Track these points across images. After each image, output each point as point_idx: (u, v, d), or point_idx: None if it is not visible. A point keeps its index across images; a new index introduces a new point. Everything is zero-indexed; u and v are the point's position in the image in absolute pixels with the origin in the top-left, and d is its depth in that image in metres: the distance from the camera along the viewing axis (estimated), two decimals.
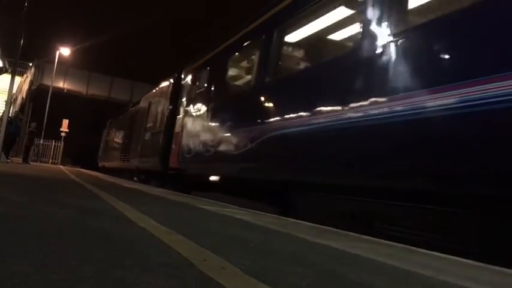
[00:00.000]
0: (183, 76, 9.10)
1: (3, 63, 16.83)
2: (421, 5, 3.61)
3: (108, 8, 35.84)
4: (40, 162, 23.02)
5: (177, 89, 9.25)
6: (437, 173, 2.92)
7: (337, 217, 4.00)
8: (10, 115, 13.85)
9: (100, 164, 20.56)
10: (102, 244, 1.68)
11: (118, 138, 16.38)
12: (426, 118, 2.91)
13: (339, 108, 3.84)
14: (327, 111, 4.00)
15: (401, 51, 3.34)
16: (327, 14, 4.63)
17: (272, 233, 2.71)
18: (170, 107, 9.41)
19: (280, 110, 4.93)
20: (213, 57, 7.59)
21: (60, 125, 24.37)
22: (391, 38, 3.44)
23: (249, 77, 6.50)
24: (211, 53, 7.78)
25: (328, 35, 4.97)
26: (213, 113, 6.97)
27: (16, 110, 17.72)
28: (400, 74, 3.26)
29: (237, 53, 7.01)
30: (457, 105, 2.68)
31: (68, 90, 30.19)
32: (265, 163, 5.06)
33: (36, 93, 27.43)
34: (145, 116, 11.72)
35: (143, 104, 12.62)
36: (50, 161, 24.53)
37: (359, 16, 4.03)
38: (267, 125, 5.01)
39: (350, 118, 3.62)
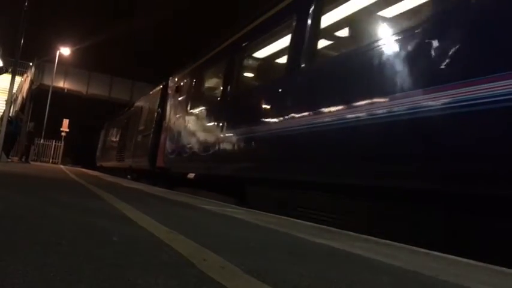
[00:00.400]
0: (169, 85, 10.11)
1: (4, 63, 16.84)
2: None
3: (108, 8, 35.85)
4: (40, 161, 23.03)
5: (164, 96, 10.28)
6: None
7: (274, 204, 5.01)
8: (10, 115, 13.86)
9: (98, 164, 21.58)
10: (102, 243, 1.68)
11: (114, 139, 17.45)
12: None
13: (268, 121, 5.08)
14: (262, 124, 5.18)
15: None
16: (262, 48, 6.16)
17: (272, 233, 2.71)
18: (158, 112, 10.49)
19: (235, 121, 6.04)
20: (191, 71, 8.79)
21: (61, 125, 24.40)
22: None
23: (216, 90, 7.62)
24: (189, 67, 8.98)
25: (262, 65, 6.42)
26: (189, 120, 8.00)
27: (16, 109, 17.72)
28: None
29: (208, 69, 8.16)
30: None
31: (68, 90, 30.24)
32: (227, 163, 6.12)
33: (37, 93, 27.45)
34: (138, 119, 12.82)
35: (136, 108, 13.76)
36: (51, 161, 24.55)
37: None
38: (227, 132, 6.17)
39: (277, 129, 4.84)
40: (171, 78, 10.11)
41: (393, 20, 3.93)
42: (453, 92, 2.70)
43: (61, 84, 29.62)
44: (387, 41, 3.47)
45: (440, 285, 1.57)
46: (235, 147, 5.84)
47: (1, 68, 17.44)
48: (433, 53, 2.99)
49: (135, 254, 1.55)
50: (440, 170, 2.91)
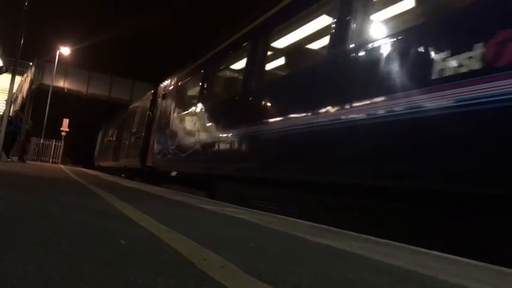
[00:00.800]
0: (157, 91, 11.25)
1: (4, 63, 16.84)
2: None
3: (108, 7, 35.84)
4: (41, 161, 23.04)
5: (153, 102, 11.38)
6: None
7: (235, 196, 6.09)
8: (10, 114, 13.86)
9: (96, 163, 22.70)
10: (102, 243, 1.68)
11: (110, 140, 18.76)
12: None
13: (229, 129, 6.14)
14: (223, 131, 6.39)
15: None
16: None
17: (272, 232, 2.71)
18: (148, 115, 11.51)
19: (205, 128, 7.18)
20: (174, 81, 10.01)
21: (61, 125, 24.41)
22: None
23: (192, 100, 8.50)
24: (173, 77, 10.21)
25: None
26: (172, 124, 9.15)
27: (16, 109, 17.72)
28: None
29: (186, 81, 9.29)
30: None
31: (68, 89, 30.24)
32: (200, 163, 7.23)
33: (37, 93, 27.46)
34: (132, 122, 13.95)
35: (130, 111, 14.94)
36: (50, 160, 24.55)
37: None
38: (199, 137, 7.31)
39: (234, 135, 5.92)
40: (159, 85, 11.22)
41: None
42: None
43: (61, 84, 29.63)
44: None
45: (440, 284, 1.57)
46: (206, 149, 6.93)
47: (1, 67, 17.43)
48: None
49: (135, 253, 1.55)
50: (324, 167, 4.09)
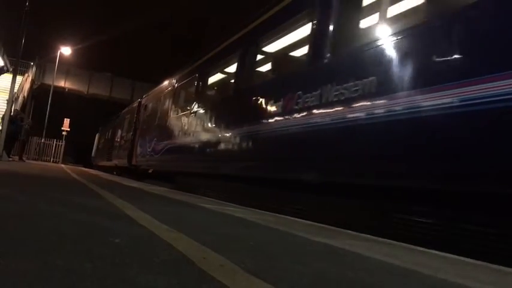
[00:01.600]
0: (141, 102, 13.47)
1: (5, 63, 16.85)
2: None
3: (108, 7, 35.84)
4: (42, 161, 23.06)
5: (138, 111, 13.48)
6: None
7: (187, 187, 7.91)
8: (11, 114, 13.87)
9: (93, 163, 24.75)
10: (102, 242, 1.69)
11: (105, 142, 21.01)
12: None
13: (184, 137, 8.07)
14: (181, 138, 8.31)
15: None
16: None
17: (272, 231, 2.71)
18: (134, 122, 13.58)
19: (169, 136, 9.17)
20: (152, 94, 12.34)
21: (62, 124, 24.43)
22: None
23: (163, 112, 10.41)
24: (151, 92, 12.76)
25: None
26: (148, 130, 11.49)
27: (16, 108, 17.74)
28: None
29: (158, 96, 11.39)
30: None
31: (69, 89, 30.25)
32: (167, 162, 9.36)
33: (38, 93, 27.47)
34: (122, 127, 16.22)
35: (121, 118, 17.13)
36: (51, 160, 24.57)
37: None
38: (164, 141, 9.44)
39: (187, 142, 7.88)
40: (143, 97, 13.56)
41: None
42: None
43: (62, 83, 29.63)
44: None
45: (439, 283, 1.58)
46: (169, 152, 9.04)
47: (2, 67, 17.45)
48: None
49: (135, 252, 1.56)
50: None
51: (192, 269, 1.35)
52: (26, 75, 26.16)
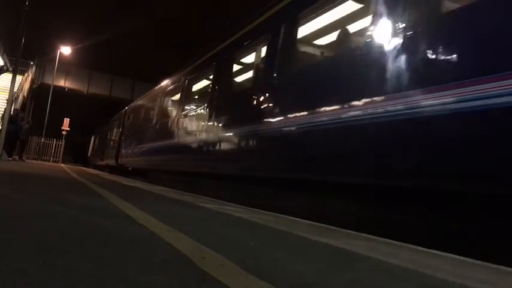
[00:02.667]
0: (126, 110, 16.49)
1: (5, 62, 16.84)
2: None
3: (108, 7, 35.83)
4: (41, 160, 23.05)
5: (124, 118, 16.34)
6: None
7: (156, 180, 10.31)
8: (12, 113, 13.86)
9: (89, 162, 27.01)
10: (102, 242, 1.69)
11: (99, 144, 24.15)
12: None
13: (154, 142, 10.34)
14: (152, 142, 10.52)
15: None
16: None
17: (271, 231, 2.72)
18: (120, 127, 16.51)
19: (142, 141, 11.66)
20: (134, 106, 15.39)
21: (61, 124, 24.42)
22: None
23: (137, 121, 13.49)
24: (133, 103, 16.08)
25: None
26: (128, 135, 14.44)
27: (16, 108, 17.73)
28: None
29: (137, 107, 14.40)
30: None
31: (69, 89, 30.23)
32: (141, 161, 11.90)
33: (38, 92, 27.45)
34: (112, 131, 19.13)
35: (111, 123, 19.97)
36: (51, 159, 24.57)
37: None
38: (140, 145, 11.81)
39: (154, 146, 10.37)
40: (127, 107, 16.77)
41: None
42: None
43: (62, 83, 29.61)
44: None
45: (439, 283, 1.58)
46: (142, 153, 11.61)
47: (2, 67, 17.44)
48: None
49: (135, 252, 1.56)
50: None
51: (192, 269, 1.35)
52: (26, 74, 26.14)
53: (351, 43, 4.55)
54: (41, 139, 24.40)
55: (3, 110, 14.21)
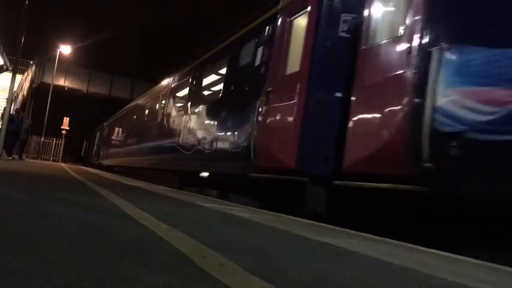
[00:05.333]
0: (105, 124, 22.59)
1: (4, 62, 16.84)
2: None
3: (108, 6, 35.79)
4: (41, 159, 23.05)
5: (103, 129, 22.87)
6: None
7: (121, 172, 15.10)
8: (12, 113, 13.86)
9: (82, 162, 30.37)
10: (102, 241, 1.69)
11: (88, 147, 29.91)
12: None
13: (116, 147, 18.24)
14: (121, 147, 17.05)
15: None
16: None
17: (271, 230, 2.72)
18: (101, 135, 23.14)
19: (114, 146, 18.63)
20: (112, 120, 20.95)
21: (61, 123, 24.42)
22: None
23: (111, 133, 19.84)
24: (108, 120, 22.02)
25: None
26: (106, 142, 20.85)
27: (17, 107, 17.74)
28: None
29: (112, 123, 20.66)
30: None
31: (68, 88, 30.23)
32: (112, 160, 18.24)
33: (37, 91, 27.43)
34: (96, 138, 25.26)
35: (96, 132, 25.70)
36: (51, 159, 24.57)
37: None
38: (112, 149, 18.96)
39: (119, 150, 17.95)
40: (105, 122, 22.65)
41: None
42: None
43: (62, 82, 29.61)
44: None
45: (439, 282, 1.58)
46: (112, 154, 18.34)
47: (2, 66, 17.44)
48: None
49: (135, 251, 1.56)
50: None
51: (191, 268, 1.35)
52: (26, 74, 26.12)
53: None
54: (40, 138, 24.40)
55: (3, 109, 14.20)
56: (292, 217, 3.86)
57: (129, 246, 1.66)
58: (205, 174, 7.18)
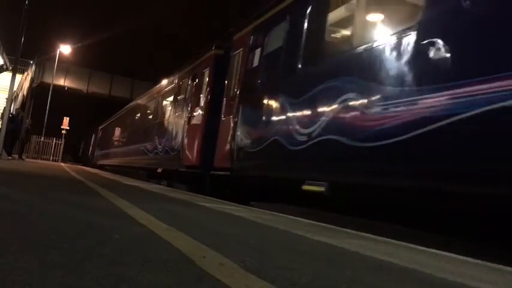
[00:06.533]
0: (98, 129, 26.12)
1: (4, 61, 16.84)
2: None
3: (108, 6, 35.78)
4: (41, 159, 23.06)
5: (97, 133, 26.12)
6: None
7: (110, 170, 18.34)
8: (12, 112, 13.85)
9: (78, 162, 32.58)
10: (102, 241, 1.69)
11: (84, 148, 33.10)
12: None
13: (112, 148, 21.00)
14: (110, 148, 20.90)
15: None
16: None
17: (271, 230, 2.72)
18: (94, 139, 27.59)
19: (103, 147, 23.76)
20: (102, 127, 25.28)
21: (61, 123, 24.42)
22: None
23: (107, 138, 22.72)
24: (101, 125, 25.77)
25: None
26: (100, 143, 24.67)
27: (17, 107, 17.75)
28: None
29: (105, 128, 24.53)
30: None
31: (68, 88, 30.25)
32: (102, 160, 22.66)
33: (37, 91, 27.44)
34: (91, 140, 28.66)
35: (93, 133, 28.28)
36: (51, 158, 24.57)
37: None
38: (102, 151, 23.25)
39: (105, 151, 22.94)
40: (99, 127, 25.74)
41: None
42: None
43: (62, 82, 29.64)
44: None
45: (438, 282, 1.58)
46: (103, 155, 22.22)
47: (2, 66, 17.44)
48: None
49: (135, 251, 1.56)
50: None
51: (191, 268, 1.35)
52: (26, 73, 26.12)
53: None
54: (40, 138, 24.40)
55: (3, 108, 14.19)
56: (292, 217, 3.87)
57: (129, 246, 1.66)
58: (159, 170, 10.32)
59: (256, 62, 6.04)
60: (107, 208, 2.99)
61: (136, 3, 35.46)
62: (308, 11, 4.83)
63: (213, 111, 7.30)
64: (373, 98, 3.46)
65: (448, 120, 2.68)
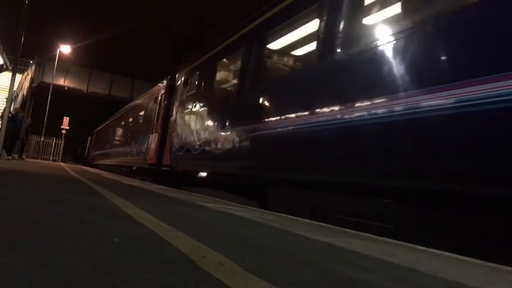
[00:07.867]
0: (93, 132, 29.51)
1: (4, 61, 16.84)
2: None
3: (108, 6, 35.77)
4: (41, 159, 23.06)
5: (92, 135, 29.51)
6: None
7: (104, 169, 20.40)
8: (12, 112, 13.85)
9: (79, 160, 34.99)
10: (102, 241, 1.69)
11: (81, 149, 35.89)
12: None
13: (107, 149, 22.79)
14: (105, 149, 22.90)
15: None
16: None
17: (271, 230, 2.72)
18: (90, 140, 30.48)
19: (97, 148, 26.42)
20: (97, 130, 28.00)
21: (61, 123, 24.43)
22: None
23: (104, 138, 23.90)
24: (96, 128, 28.61)
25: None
26: (95, 145, 27.72)
27: (16, 107, 17.76)
28: None
29: (99, 130, 27.41)
30: None
31: (68, 87, 30.26)
32: (97, 160, 24.68)
33: (37, 91, 27.45)
34: (88, 142, 31.12)
35: (89, 135, 30.35)
36: (51, 158, 24.57)
37: None
38: (98, 152, 25.42)
39: (101, 152, 25.22)
40: (95, 130, 28.33)
41: None
42: None
43: (62, 82, 29.66)
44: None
45: (438, 282, 1.58)
46: (98, 155, 24.32)
47: (1, 65, 17.45)
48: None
49: (135, 251, 1.56)
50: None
51: (191, 268, 1.35)
52: (26, 73, 26.13)
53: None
54: (40, 138, 24.40)
55: (2, 108, 14.19)
56: (292, 217, 3.87)
57: (129, 246, 1.66)
58: (134, 167, 13.38)
59: (185, 95, 9.24)
60: (107, 208, 2.99)
61: (136, 4, 35.44)
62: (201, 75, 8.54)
63: (165, 125, 10.36)
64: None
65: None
